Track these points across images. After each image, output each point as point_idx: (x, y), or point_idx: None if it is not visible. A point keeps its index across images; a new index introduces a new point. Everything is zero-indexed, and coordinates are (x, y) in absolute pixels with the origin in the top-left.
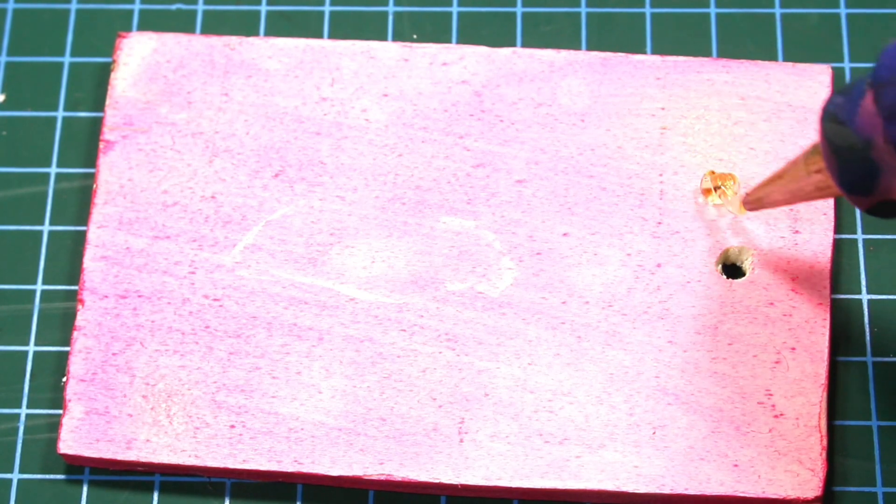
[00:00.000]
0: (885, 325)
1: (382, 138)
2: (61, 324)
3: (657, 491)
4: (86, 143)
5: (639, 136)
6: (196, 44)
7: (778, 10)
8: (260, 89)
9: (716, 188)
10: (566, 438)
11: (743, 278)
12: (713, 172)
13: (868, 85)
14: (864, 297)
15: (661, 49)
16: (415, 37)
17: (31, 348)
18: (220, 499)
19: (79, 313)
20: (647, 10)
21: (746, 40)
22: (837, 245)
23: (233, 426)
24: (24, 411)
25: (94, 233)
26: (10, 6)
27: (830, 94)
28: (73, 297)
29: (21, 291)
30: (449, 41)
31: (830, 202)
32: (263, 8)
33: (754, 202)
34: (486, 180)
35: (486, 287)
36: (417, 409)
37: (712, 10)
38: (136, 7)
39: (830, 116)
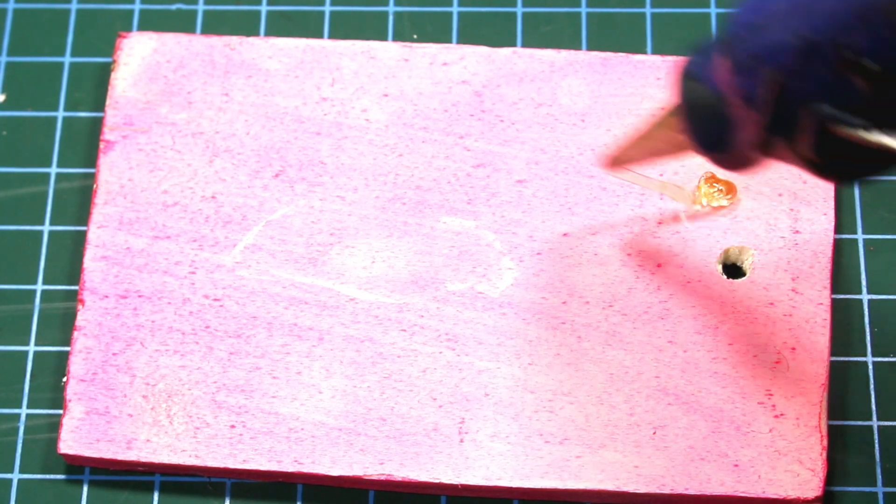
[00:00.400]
0: (885, 325)
1: (383, 138)
2: (61, 324)
3: (657, 491)
4: (86, 143)
5: None
6: (196, 44)
7: None
8: (260, 89)
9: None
10: (566, 438)
11: (743, 278)
12: (713, 175)
13: (721, 41)
14: (864, 297)
15: (661, 49)
16: (415, 37)
17: (31, 348)
18: (220, 499)
19: (79, 313)
20: (647, 10)
21: None
22: (837, 245)
23: (233, 426)
24: (24, 411)
25: (95, 233)
26: (10, 6)
27: (690, 55)
28: (73, 297)
29: (21, 291)
30: (449, 41)
31: (831, 203)
32: (263, 8)
33: (615, 163)
34: (486, 180)
35: (486, 287)
36: (418, 409)
37: (712, 10)
38: (136, 7)
39: (687, 74)
